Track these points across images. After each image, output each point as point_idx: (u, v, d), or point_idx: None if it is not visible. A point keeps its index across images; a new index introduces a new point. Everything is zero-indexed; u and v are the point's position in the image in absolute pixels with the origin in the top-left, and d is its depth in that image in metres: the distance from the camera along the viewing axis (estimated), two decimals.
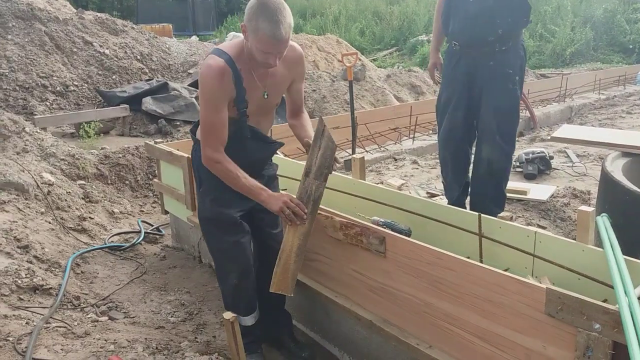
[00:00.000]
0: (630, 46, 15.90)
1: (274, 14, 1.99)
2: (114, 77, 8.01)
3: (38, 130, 5.26)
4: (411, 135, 6.62)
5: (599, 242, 2.13)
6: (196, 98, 7.04)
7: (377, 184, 4.32)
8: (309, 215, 2.21)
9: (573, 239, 2.21)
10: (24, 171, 4.16)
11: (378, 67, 11.66)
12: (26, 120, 5.57)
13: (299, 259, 2.22)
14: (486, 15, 3.29)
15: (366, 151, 6.07)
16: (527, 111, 7.97)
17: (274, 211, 2.21)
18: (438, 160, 4.02)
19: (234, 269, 2.43)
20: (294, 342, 2.68)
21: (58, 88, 7.25)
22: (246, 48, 2.15)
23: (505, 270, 1.89)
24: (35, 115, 6.34)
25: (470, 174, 3.77)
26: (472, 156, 3.70)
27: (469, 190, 3.76)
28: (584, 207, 2.17)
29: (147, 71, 8.50)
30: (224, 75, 2.12)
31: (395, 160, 5.90)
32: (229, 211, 2.34)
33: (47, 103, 7.00)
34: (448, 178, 3.74)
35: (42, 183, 4.17)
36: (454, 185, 3.74)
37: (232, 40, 2.32)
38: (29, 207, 3.83)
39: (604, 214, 2.32)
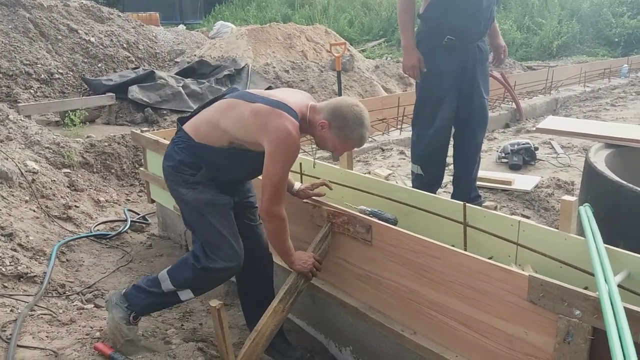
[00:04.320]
0: (616, 39, 16.05)
1: (368, 123, 2.25)
2: (99, 65, 7.92)
3: (22, 118, 5.20)
4: (399, 126, 6.64)
5: (581, 231, 2.17)
6: (183, 87, 6.99)
7: (365, 174, 4.34)
8: (288, 307, 2.31)
9: (556, 228, 2.24)
10: (7, 159, 4.10)
11: (366, 57, 11.64)
12: (10, 108, 5.49)
13: (267, 343, 2.28)
14: (488, 10, 3.48)
15: None
16: (513, 103, 8.03)
17: (302, 273, 2.33)
18: None
19: (232, 255, 2.31)
20: (285, 342, 2.66)
21: (42, 76, 7.15)
22: (317, 132, 2.25)
23: (489, 258, 1.91)
24: (19, 103, 6.24)
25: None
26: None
27: (453, 178, 3.92)
28: (567, 197, 2.20)
29: (134, 59, 8.42)
30: (299, 138, 2.18)
31: (383, 150, 5.92)
32: (226, 196, 2.33)
33: (32, 91, 6.90)
34: (432, 171, 3.75)
35: (26, 171, 4.12)
36: (439, 177, 3.82)
37: (295, 96, 2.32)
38: (12, 195, 3.79)
39: (586, 203, 2.36)
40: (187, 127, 2.32)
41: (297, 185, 2.56)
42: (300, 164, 2.97)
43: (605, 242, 1.93)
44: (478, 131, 3.72)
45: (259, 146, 2.18)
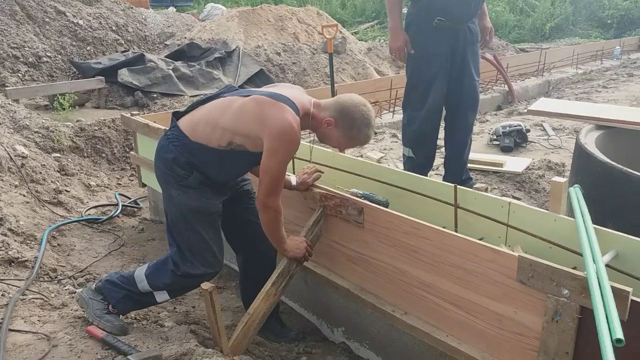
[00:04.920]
0: (609, 21, 16.03)
1: (374, 123, 2.27)
2: (88, 48, 7.81)
3: (10, 102, 5.14)
4: (391, 109, 6.62)
5: (570, 213, 2.18)
6: (174, 70, 6.92)
7: (357, 157, 4.34)
8: (280, 290, 2.32)
9: (546, 210, 2.26)
10: None
11: (359, 40, 11.55)
12: None
13: (259, 326, 2.30)
14: None
15: None
16: (506, 85, 8.03)
17: (296, 259, 2.34)
18: None
19: (212, 262, 2.30)
20: (280, 324, 2.68)
21: (30, 59, 7.05)
22: (322, 129, 2.24)
23: (480, 239, 1.92)
24: (7, 87, 6.17)
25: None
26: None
27: (444, 160, 3.91)
28: (557, 178, 2.22)
29: (123, 42, 8.31)
30: (300, 132, 2.14)
31: (375, 133, 5.91)
32: (214, 201, 2.29)
33: (19, 74, 6.81)
34: (423, 153, 3.76)
35: (15, 156, 4.08)
36: (430, 159, 3.82)
37: (294, 91, 2.27)
38: (2, 180, 3.76)
39: (576, 184, 2.37)
40: (183, 124, 2.23)
41: (293, 178, 2.52)
42: None
43: (594, 222, 1.95)
44: (469, 113, 3.70)
45: (258, 145, 2.13)
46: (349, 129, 2.21)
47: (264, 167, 2.12)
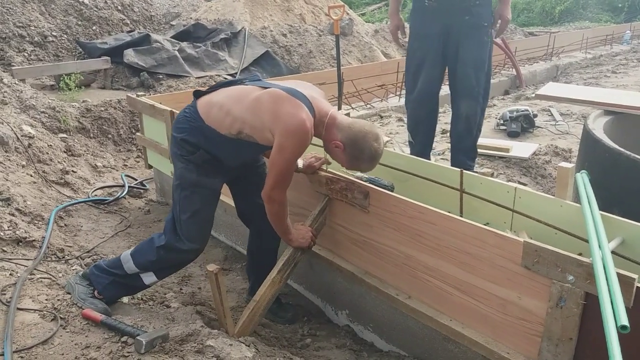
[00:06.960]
0: (620, 5, 15.79)
1: (379, 158, 2.25)
2: (94, 28, 7.76)
3: (16, 82, 5.13)
4: (397, 93, 6.58)
5: (577, 198, 2.18)
6: (179, 50, 6.88)
7: None
8: (285, 277, 2.37)
9: (552, 195, 2.25)
10: (2, 123, 4.07)
11: (366, 22, 11.43)
12: (4, 72, 5.42)
13: (265, 311, 2.34)
14: None
15: (352, 108, 6.03)
16: (514, 69, 7.95)
17: (303, 247, 2.37)
18: None
19: (197, 238, 2.33)
20: (277, 303, 2.70)
21: (36, 38, 7.02)
22: (329, 146, 2.23)
23: (485, 224, 1.92)
24: (13, 66, 6.15)
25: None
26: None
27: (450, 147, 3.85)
28: (563, 164, 2.20)
29: (129, 22, 8.25)
30: (312, 131, 2.14)
31: (381, 117, 5.89)
32: (214, 179, 2.32)
33: (25, 54, 6.78)
34: (420, 138, 3.72)
35: (22, 136, 4.09)
36: (427, 145, 3.77)
37: (314, 93, 2.25)
38: (9, 159, 3.77)
39: (583, 170, 2.36)
40: (201, 105, 2.26)
41: (300, 161, 2.51)
42: None
43: (601, 208, 1.94)
44: (461, 101, 3.56)
45: (268, 139, 2.13)
46: (354, 158, 2.22)
47: (272, 162, 2.13)
